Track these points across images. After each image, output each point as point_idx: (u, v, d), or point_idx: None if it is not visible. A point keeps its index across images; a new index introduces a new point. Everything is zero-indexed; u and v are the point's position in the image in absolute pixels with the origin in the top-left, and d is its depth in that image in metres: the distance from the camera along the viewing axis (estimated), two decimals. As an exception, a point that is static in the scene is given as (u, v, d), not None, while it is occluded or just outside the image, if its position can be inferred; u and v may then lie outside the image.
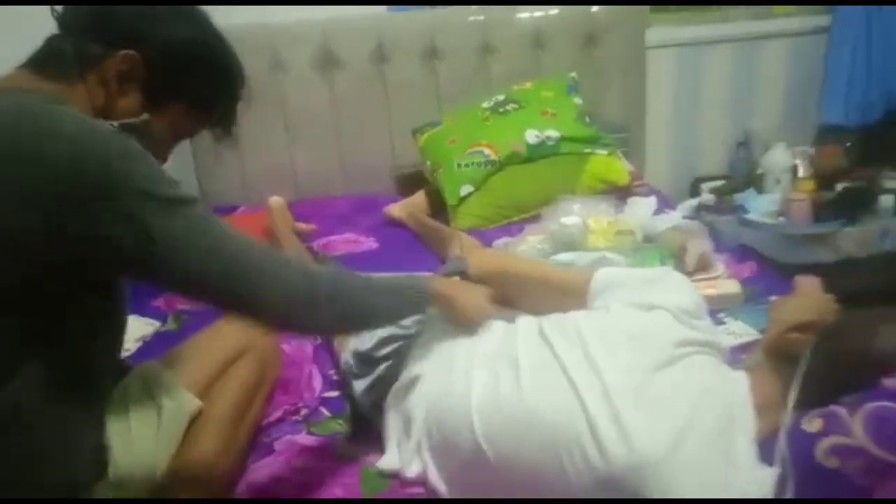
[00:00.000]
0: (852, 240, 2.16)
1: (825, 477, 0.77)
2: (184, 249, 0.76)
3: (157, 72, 0.84)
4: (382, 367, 1.16)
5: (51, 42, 0.84)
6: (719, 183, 2.48)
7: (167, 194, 0.75)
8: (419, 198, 2.11)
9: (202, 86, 0.89)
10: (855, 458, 0.75)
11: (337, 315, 0.91)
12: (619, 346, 0.91)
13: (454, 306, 1.07)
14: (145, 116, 0.85)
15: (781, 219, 2.17)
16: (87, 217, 0.71)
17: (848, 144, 2.45)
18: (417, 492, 0.99)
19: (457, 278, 1.24)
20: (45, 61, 0.83)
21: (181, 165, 2.32)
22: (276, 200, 1.88)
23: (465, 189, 1.96)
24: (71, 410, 0.84)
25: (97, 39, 0.82)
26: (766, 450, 0.83)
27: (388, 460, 1.03)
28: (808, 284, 1.22)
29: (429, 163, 2.09)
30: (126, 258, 0.75)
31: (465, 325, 1.07)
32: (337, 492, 1.01)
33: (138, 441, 0.98)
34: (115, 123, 0.81)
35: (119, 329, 0.93)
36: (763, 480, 0.80)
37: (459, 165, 1.97)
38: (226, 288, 0.79)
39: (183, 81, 0.87)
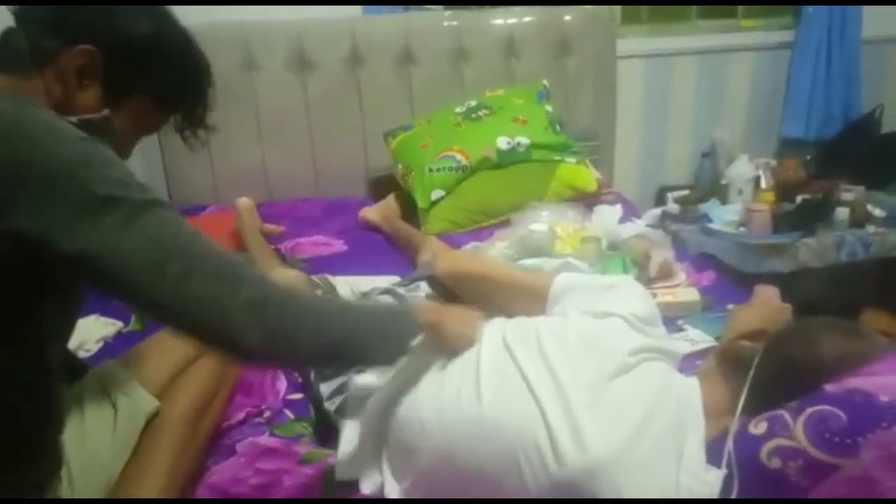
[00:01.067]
0: (810, 250, 2.22)
1: (767, 477, 0.80)
2: (146, 254, 0.73)
3: (116, 67, 0.82)
4: (352, 371, 1.16)
5: (6, 35, 0.83)
6: (684, 192, 2.54)
7: (136, 198, 0.74)
8: (390, 201, 2.12)
9: (164, 81, 0.88)
10: (795, 459, 0.78)
11: (308, 337, 0.81)
12: (576, 354, 0.93)
13: (441, 336, 0.99)
14: (105, 112, 0.84)
15: (742, 229, 2.23)
16: (50, 220, 0.70)
17: (808, 157, 2.53)
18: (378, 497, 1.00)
19: (412, 288, 1.25)
20: None
21: (150, 164, 2.30)
22: (243, 201, 1.87)
23: (436, 193, 1.98)
24: (22, 408, 0.82)
25: (54, 33, 0.80)
26: (714, 452, 0.86)
27: (342, 469, 1.01)
28: (766, 293, 1.26)
29: (400, 167, 2.10)
30: (89, 263, 0.72)
31: (449, 352, 1.01)
32: (299, 495, 1.01)
33: (93, 440, 0.97)
34: (75, 119, 0.80)
35: (70, 325, 0.92)
36: (710, 482, 0.83)
37: (431, 170, 1.99)
38: (186, 293, 0.73)
39: (144, 77, 0.86)
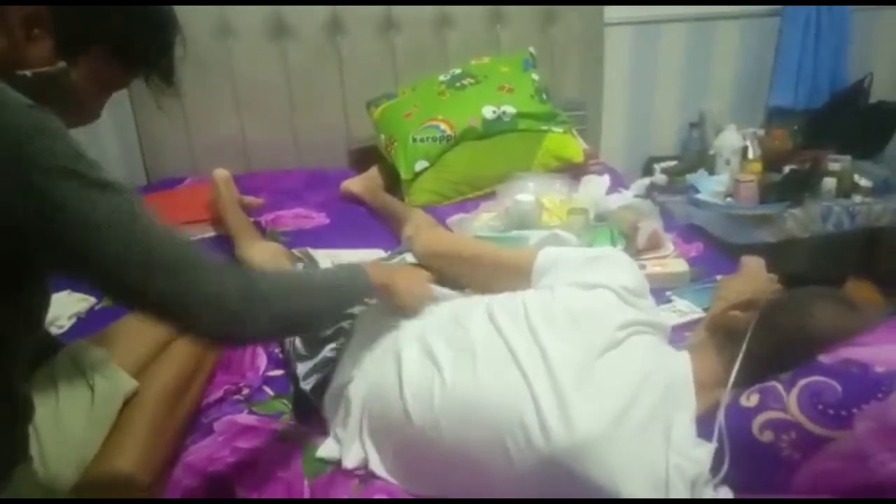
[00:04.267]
0: (796, 221, 2.22)
1: (759, 451, 0.78)
2: (103, 235, 0.68)
3: (67, 14, 0.76)
4: (327, 348, 1.13)
5: None
6: (672, 163, 2.51)
7: (88, 175, 0.68)
8: (374, 173, 2.07)
9: (120, 27, 0.80)
10: (788, 431, 0.77)
11: (269, 320, 0.82)
12: (564, 328, 0.90)
13: (392, 295, 1.05)
14: (62, 65, 0.77)
15: (730, 199, 2.21)
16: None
17: (795, 127, 2.51)
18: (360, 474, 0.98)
19: (397, 261, 1.22)
20: None
21: (125, 136, 2.22)
22: (220, 173, 1.82)
23: (420, 164, 1.93)
24: None
25: None
26: (706, 426, 0.84)
27: (327, 448, 1.01)
28: (753, 264, 1.24)
29: (383, 137, 2.04)
30: (41, 242, 0.67)
31: (404, 312, 1.05)
32: (278, 474, 0.98)
33: (68, 421, 0.93)
34: (29, 73, 0.74)
35: (40, 307, 0.87)
36: (700, 458, 0.80)
37: (415, 140, 1.94)
38: (145, 283, 0.71)
39: (97, 24, 0.79)
